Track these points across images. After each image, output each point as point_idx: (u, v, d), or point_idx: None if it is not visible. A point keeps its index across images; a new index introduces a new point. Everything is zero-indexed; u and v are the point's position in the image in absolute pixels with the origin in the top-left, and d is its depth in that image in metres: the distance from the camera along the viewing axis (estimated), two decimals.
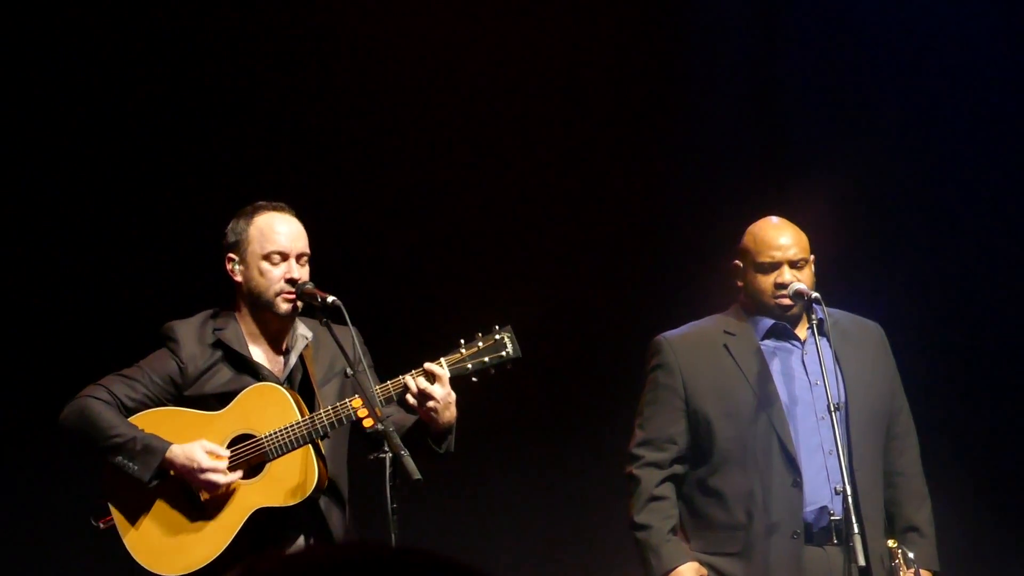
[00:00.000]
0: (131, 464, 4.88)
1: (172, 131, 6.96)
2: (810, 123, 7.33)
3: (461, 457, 5.11)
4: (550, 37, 7.30)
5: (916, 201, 7.22)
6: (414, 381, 4.84)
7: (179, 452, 4.88)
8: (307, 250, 5.06)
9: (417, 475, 4.61)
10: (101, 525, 4.99)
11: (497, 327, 4.96)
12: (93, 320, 6.77)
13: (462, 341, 4.93)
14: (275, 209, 5.09)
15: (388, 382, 4.91)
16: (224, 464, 4.89)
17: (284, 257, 5.00)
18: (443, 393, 4.84)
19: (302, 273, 5.00)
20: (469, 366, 4.91)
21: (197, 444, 4.89)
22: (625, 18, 7.36)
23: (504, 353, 4.94)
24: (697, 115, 7.37)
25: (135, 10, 6.95)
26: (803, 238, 5.40)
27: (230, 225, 5.09)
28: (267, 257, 5.00)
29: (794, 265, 5.33)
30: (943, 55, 7.22)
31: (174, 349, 5.04)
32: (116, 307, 6.75)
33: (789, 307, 5.32)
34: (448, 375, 4.87)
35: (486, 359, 4.92)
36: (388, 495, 4.73)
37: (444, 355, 4.91)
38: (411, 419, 5.01)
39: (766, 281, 5.35)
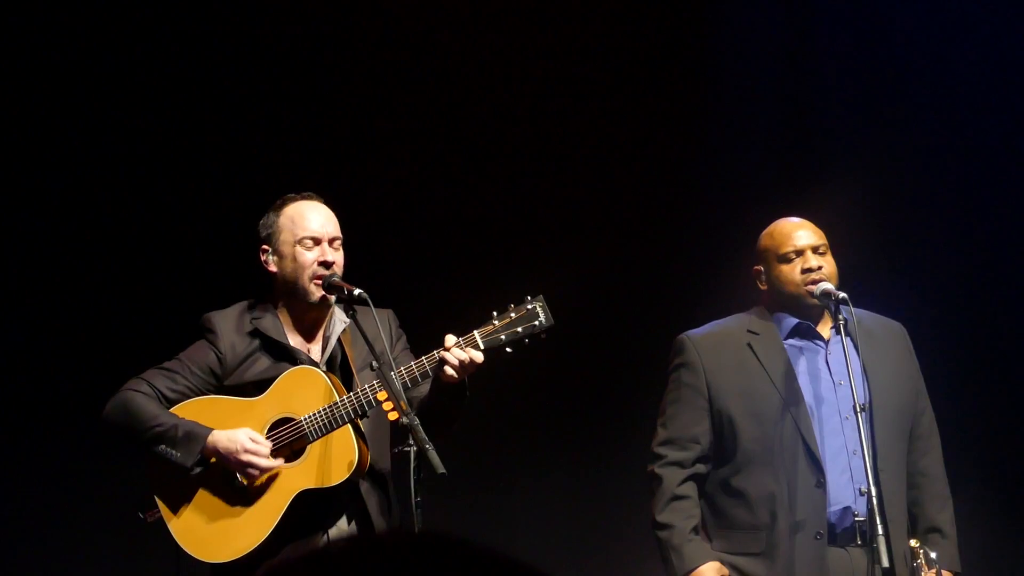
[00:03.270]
0: (173, 452, 4.93)
1: (208, 126, 7.04)
2: (836, 124, 7.34)
3: (485, 453, 5.12)
4: (585, 37, 7.34)
5: (940, 202, 7.21)
6: (453, 356, 4.85)
7: (221, 436, 4.94)
8: (339, 234, 5.13)
9: (442, 469, 4.60)
10: (148, 518, 5.03)
11: (529, 297, 4.96)
12: (133, 315, 6.85)
13: (495, 313, 4.93)
14: (304, 198, 5.18)
15: (423, 357, 4.93)
16: (266, 449, 4.93)
17: (317, 241, 5.07)
18: (480, 362, 4.86)
19: (335, 256, 5.08)
20: (502, 337, 4.90)
21: (241, 430, 4.95)
22: (658, 20, 7.38)
23: (537, 323, 4.93)
24: (725, 117, 7.38)
25: (173, 6, 7.01)
26: (819, 229, 5.42)
27: (262, 220, 5.17)
28: (300, 242, 5.07)
29: (816, 251, 5.34)
30: (970, 57, 7.22)
31: (212, 340, 5.11)
32: (155, 301, 6.83)
33: (818, 281, 5.29)
34: (483, 347, 4.88)
35: (519, 329, 4.92)
36: (412, 489, 4.74)
37: (477, 327, 4.92)
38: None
39: (792, 270, 5.34)
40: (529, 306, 4.94)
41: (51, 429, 6.76)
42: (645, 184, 7.33)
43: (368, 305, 4.91)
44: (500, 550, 1.82)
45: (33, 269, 6.88)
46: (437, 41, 7.25)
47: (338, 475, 4.93)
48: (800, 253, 5.35)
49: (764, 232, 5.48)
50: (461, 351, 4.84)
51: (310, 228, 5.09)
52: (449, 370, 4.85)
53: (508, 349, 4.93)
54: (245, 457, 4.92)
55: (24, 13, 6.87)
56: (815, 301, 5.31)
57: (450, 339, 4.87)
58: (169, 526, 5.01)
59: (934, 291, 7.03)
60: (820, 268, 5.32)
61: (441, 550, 1.80)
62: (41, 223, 6.90)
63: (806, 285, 5.32)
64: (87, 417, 5.24)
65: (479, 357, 4.86)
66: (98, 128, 6.93)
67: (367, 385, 4.92)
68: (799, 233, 5.39)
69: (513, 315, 4.93)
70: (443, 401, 4.96)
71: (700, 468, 5.36)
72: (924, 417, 5.48)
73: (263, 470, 4.93)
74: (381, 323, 5.05)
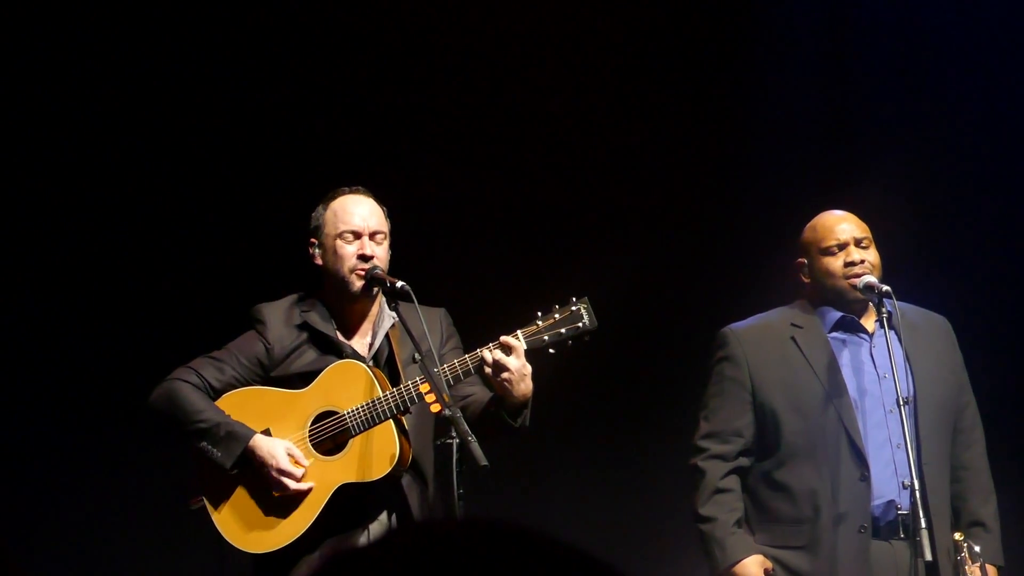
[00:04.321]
0: (214, 450, 4.96)
1: (268, 119, 7.09)
2: (878, 118, 7.32)
3: (527, 445, 5.13)
4: (629, 38, 7.35)
5: (982, 196, 7.19)
6: (490, 353, 4.86)
7: (262, 445, 4.97)
8: (383, 228, 5.14)
9: (484, 461, 4.60)
10: (192, 504, 5.08)
11: (574, 299, 4.95)
12: (187, 303, 6.90)
13: (539, 314, 4.94)
14: (352, 192, 5.20)
15: (466, 355, 4.94)
16: (301, 472, 4.95)
17: (357, 235, 5.09)
18: (518, 365, 4.84)
19: (376, 251, 5.09)
20: (545, 338, 4.90)
21: (282, 443, 4.97)
22: (700, 20, 7.38)
23: (581, 324, 4.93)
24: (767, 112, 7.37)
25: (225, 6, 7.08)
26: (862, 222, 5.40)
27: (313, 212, 5.20)
28: (340, 236, 5.09)
29: (859, 244, 5.33)
30: (1012, 52, 7.19)
31: (261, 331, 5.14)
32: (208, 290, 6.88)
33: (860, 275, 5.27)
34: (524, 347, 4.87)
35: (563, 331, 4.92)
36: (455, 481, 4.75)
37: (521, 327, 4.92)
38: (489, 394, 5.02)
39: (835, 263, 5.33)
40: (574, 307, 4.94)
41: (105, 416, 6.80)
42: (689, 179, 7.32)
43: (411, 298, 4.93)
44: (549, 534, 1.83)
45: (94, 259, 6.94)
46: (486, 43, 7.26)
47: (379, 470, 4.95)
48: (843, 246, 5.34)
49: (808, 225, 5.46)
50: (500, 351, 4.85)
51: (351, 222, 5.11)
52: (488, 369, 4.86)
53: (551, 350, 4.93)
54: (278, 477, 4.95)
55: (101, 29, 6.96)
56: (858, 294, 5.29)
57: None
58: (211, 515, 5.05)
59: (978, 285, 7.00)
60: (863, 261, 5.30)
61: (491, 535, 1.80)
62: (106, 215, 6.97)
63: (848, 279, 5.31)
64: (138, 405, 5.28)
65: (520, 354, 4.85)
66: (157, 121, 7.00)
67: (411, 381, 4.93)
68: (842, 226, 5.37)
69: (557, 316, 4.93)
70: (492, 425, 4.96)
71: (743, 461, 5.36)
72: (968, 411, 5.46)
73: (291, 491, 4.96)
74: (432, 321, 5.08)
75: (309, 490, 4.97)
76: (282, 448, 4.96)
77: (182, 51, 7.03)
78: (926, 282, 6.32)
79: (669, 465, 6.39)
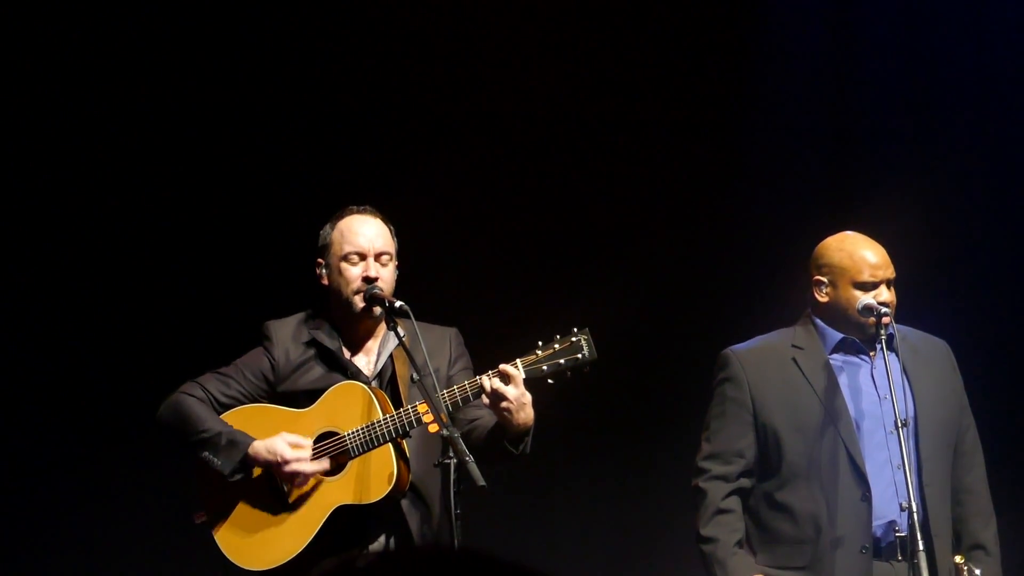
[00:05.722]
0: (215, 459, 5.00)
1: (277, 138, 7.13)
2: (884, 141, 7.32)
3: (526, 465, 5.14)
4: (631, 62, 7.36)
5: (988, 221, 7.19)
6: (488, 381, 4.87)
7: (261, 447, 5.00)
8: (389, 249, 5.17)
9: (482, 482, 4.60)
10: (196, 519, 5.12)
11: (575, 329, 4.96)
12: (197, 320, 6.94)
13: (539, 343, 4.95)
14: (359, 212, 5.23)
15: (466, 382, 4.95)
16: (307, 454, 4.99)
17: (362, 256, 5.12)
18: (516, 394, 4.85)
19: (381, 272, 5.11)
20: (544, 367, 4.91)
21: (278, 437, 5.00)
22: (704, 40, 7.40)
23: (580, 355, 4.93)
24: (772, 132, 7.38)
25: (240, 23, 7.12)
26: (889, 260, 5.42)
27: (321, 230, 5.24)
28: (345, 258, 5.13)
29: (889, 284, 5.35)
30: (1019, 68, 7.20)
31: (268, 347, 5.18)
32: (219, 307, 6.91)
33: (879, 317, 5.29)
34: (522, 376, 4.88)
35: (562, 361, 4.93)
36: (452, 501, 4.73)
37: (520, 356, 4.93)
38: (494, 420, 5.04)
39: (865, 300, 5.34)
40: (574, 338, 4.95)
41: (112, 431, 6.84)
42: (691, 201, 7.34)
43: (409, 317, 4.95)
44: (532, 567, 1.84)
45: (102, 275, 6.98)
46: (494, 66, 7.28)
47: (376, 492, 4.97)
48: (876, 285, 5.34)
49: (835, 246, 5.42)
50: (499, 380, 4.86)
51: (356, 243, 5.14)
52: (485, 397, 4.87)
53: (550, 380, 4.94)
54: (288, 468, 4.98)
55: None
56: (878, 332, 5.30)
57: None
58: (212, 531, 5.08)
59: (979, 310, 7.01)
60: (890, 304, 5.32)
61: (473, 566, 1.83)
62: (112, 231, 7.01)
63: (872, 316, 5.31)
64: (149, 419, 5.32)
65: (518, 384, 4.86)
66: (171, 138, 7.04)
67: (411, 405, 4.95)
68: (879, 262, 5.35)
69: (557, 346, 4.94)
70: (494, 451, 4.98)
71: (744, 482, 5.37)
72: (968, 434, 5.47)
73: (309, 475, 4.99)
74: (441, 341, 5.12)
75: (317, 485, 4.99)
76: (280, 440, 5.00)
77: (195, 74, 7.07)
78: (928, 306, 6.33)
79: (669, 485, 6.41)
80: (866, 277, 5.34)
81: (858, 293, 5.33)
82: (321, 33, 7.19)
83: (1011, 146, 7.23)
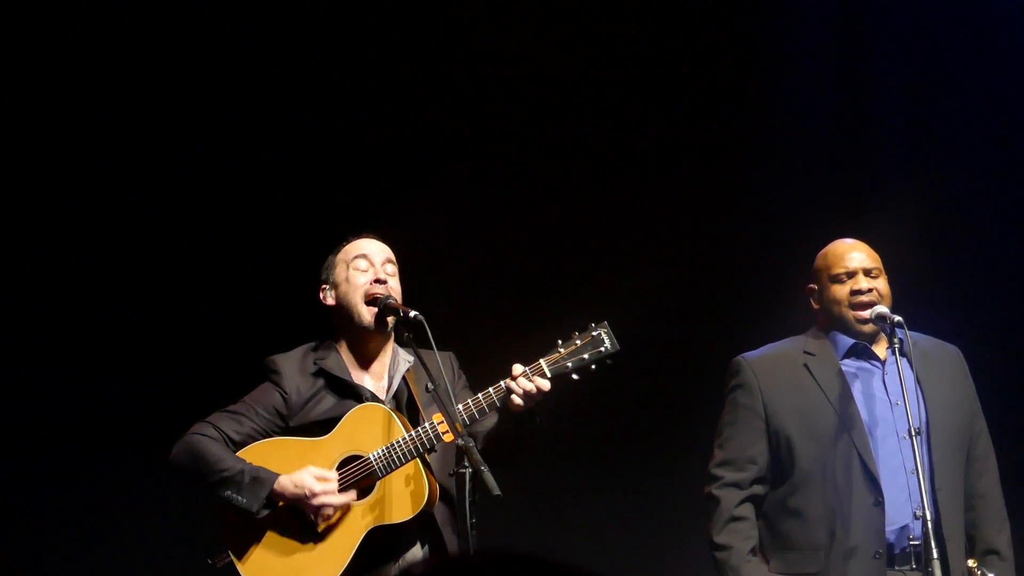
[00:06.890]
0: (239, 497, 4.93)
1: (272, 173, 7.12)
2: (892, 147, 7.33)
3: (540, 473, 5.14)
4: (641, 66, 7.37)
5: (997, 226, 7.19)
6: (528, 382, 4.86)
7: (287, 482, 4.95)
8: (393, 260, 5.20)
9: (497, 491, 4.59)
10: (217, 563, 5.03)
11: (593, 324, 4.97)
12: (200, 358, 6.89)
13: (559, 341, 4.95)
14: (361, 236, 5.27)
15: (490, 388, 4.93)
16: (334, 485, 4.95)
17: (370, 262, 5.15)
18: (549, 386, 4.88)
19: (389, 280, 5.12)
20: (569, 364, 4.91)
21: (304, 471, 4.96)
22: (713, 45, 7.40)
23: (603, 348, 4.94)
24: (782, 138, 7.39)
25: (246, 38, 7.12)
26: (874, 252, 5.43)
27: (323, 265, 5.26)
28: (352, 264, 5.15)
29: (868, 273, 5.36)
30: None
31: (277, 380, 5.14)
32: (220, 344, 6.88)
33: (866, 306, 5.31)
34: (549, 375, 4.89)
35: (585, 356, 4.93)
36: (467, 510, 4.71)
37: (543, 355, 4.93)
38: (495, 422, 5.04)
39: (842, 291, 5.37)
40: (594, 332, 4.95)
41: (116, 476, 6.79)
42: (702, 208, 7.35)
43: (424, 328, 4.92)
44: (588, 567, 1.85)
45: (98, 320, 6.94)
46: (495, 71, 7.29)
47: (408, 511, 4.95)
48: (852, 275, 5.37)
49: (820, 252, 5.51)
50: (527, 380, 4.86)
51: (363, 248, 5.19)
52: (516, 399, 4.86)
53: (575, 376, 4.94)
54: (316, 501, 4.94)
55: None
56: (863, 327, 5.33)
57: (517, 368, 4.89)
58: (240, 569, 5.00)
59: (989, 314, 7.01)
60: (870, 290, 5.33)
61: (530, 568, 1.83)
62: (119, 250, 6.99)
63: (853, 307, 5.34)
64: (154, 463, 5.27)
65: (546, 385, 4.87)
66: (175, 171, 7.03)
67: (430, 422, 4.93)
68: (853, 255, 5.41)
69: (579, 342, 4.94)
70: (511, 428, 4.98)
71: (757, 489, 5.37)
72: (980, 439, 5.47)
73: (335, 507, 4.96)
74: (445, 361, 5.08)
75: (346, 512, 4.96)
76: (306, 474, 4.95)
77: (200, 100, 7.07)
78: (938, 312, 6.33)
79: (682, 493, 6.40)
80: (840, 268, 5.39)
81: (836, 287, 5.36)
82: (322, 78, 7.18)
83: (1017, 156, 7.23)
